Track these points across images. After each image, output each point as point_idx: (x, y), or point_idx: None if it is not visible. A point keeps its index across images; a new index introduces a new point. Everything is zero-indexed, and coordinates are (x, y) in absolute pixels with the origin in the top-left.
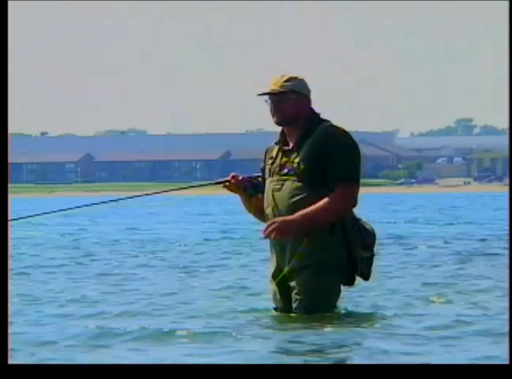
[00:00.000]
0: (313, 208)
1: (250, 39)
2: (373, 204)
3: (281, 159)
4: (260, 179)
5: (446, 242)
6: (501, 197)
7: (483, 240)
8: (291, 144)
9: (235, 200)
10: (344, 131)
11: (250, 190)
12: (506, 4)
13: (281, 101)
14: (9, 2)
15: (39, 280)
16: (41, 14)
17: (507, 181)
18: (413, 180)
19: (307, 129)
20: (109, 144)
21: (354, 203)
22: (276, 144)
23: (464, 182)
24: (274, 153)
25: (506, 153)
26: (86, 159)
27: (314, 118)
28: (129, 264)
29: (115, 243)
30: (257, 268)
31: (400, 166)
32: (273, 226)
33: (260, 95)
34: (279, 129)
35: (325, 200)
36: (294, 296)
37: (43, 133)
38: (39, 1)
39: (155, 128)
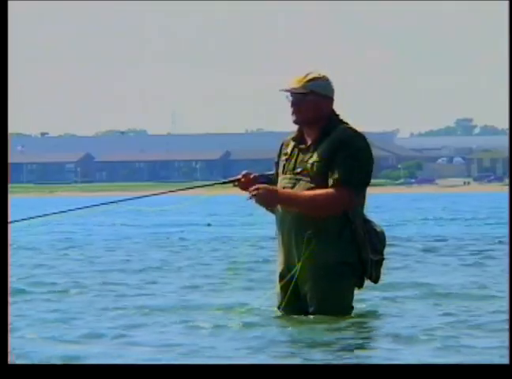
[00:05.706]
0: (301, 196)
1: (250, 39)
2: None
3: (297, 157)
4: (272, 177)
5: None
6: None
7: None
8: (308, 142)
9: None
10: (358, 135)
11: None
12: (506, 4)
13: (301, 101)
14: (9, 2)
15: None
16: (42, 14)
17: (507, 181)
18: (413, 180)
19: (325, 130)
20: (109, 144)
21: (342, 207)
22: (292, 139)
23: (464, 182)
24: (290, 149)
25: (506, 153)
26: (86, 159)
27: (334, 119)
28: None
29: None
30: None
31: (400, 166)
32: (258, 191)
33: (281, 90)
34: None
35: (316, 194)
36: (309, 301)
37: (43, 133)
38: (39, 2)
39: (155, 128)
